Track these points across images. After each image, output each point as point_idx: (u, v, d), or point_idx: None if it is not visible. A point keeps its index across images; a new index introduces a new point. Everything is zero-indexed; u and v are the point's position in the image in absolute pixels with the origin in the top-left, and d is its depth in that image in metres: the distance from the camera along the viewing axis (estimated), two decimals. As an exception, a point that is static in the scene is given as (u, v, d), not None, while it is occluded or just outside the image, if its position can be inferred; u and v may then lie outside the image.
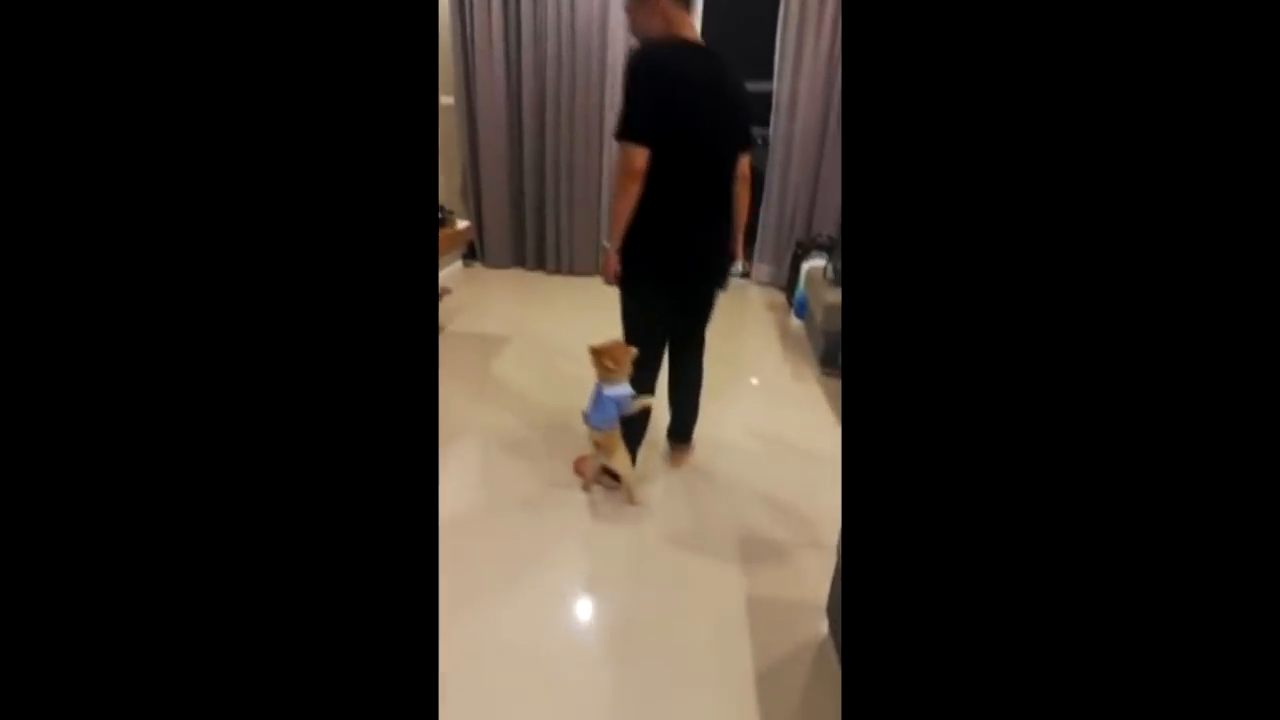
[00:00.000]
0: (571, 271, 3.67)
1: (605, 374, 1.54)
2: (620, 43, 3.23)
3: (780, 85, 3.39)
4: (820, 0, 3.17)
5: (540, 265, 3.74)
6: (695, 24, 1.55)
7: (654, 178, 1.37)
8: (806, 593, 1.39)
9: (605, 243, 1.51)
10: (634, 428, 1.66)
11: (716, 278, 1.62)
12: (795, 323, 3.14)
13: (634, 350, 1.54)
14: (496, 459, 1.82)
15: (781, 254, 3.67)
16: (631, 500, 1.67)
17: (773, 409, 2.27)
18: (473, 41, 3.29)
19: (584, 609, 1.34)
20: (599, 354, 1.53)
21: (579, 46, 3.25)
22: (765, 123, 3.53)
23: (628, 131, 1.33)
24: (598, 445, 1.62)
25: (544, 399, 2.19)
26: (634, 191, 1.37)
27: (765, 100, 3.50)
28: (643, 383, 1.59)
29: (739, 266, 1.82)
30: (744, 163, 1.55)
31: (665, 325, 1.60)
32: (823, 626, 1.30)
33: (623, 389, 1.55)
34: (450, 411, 2.06)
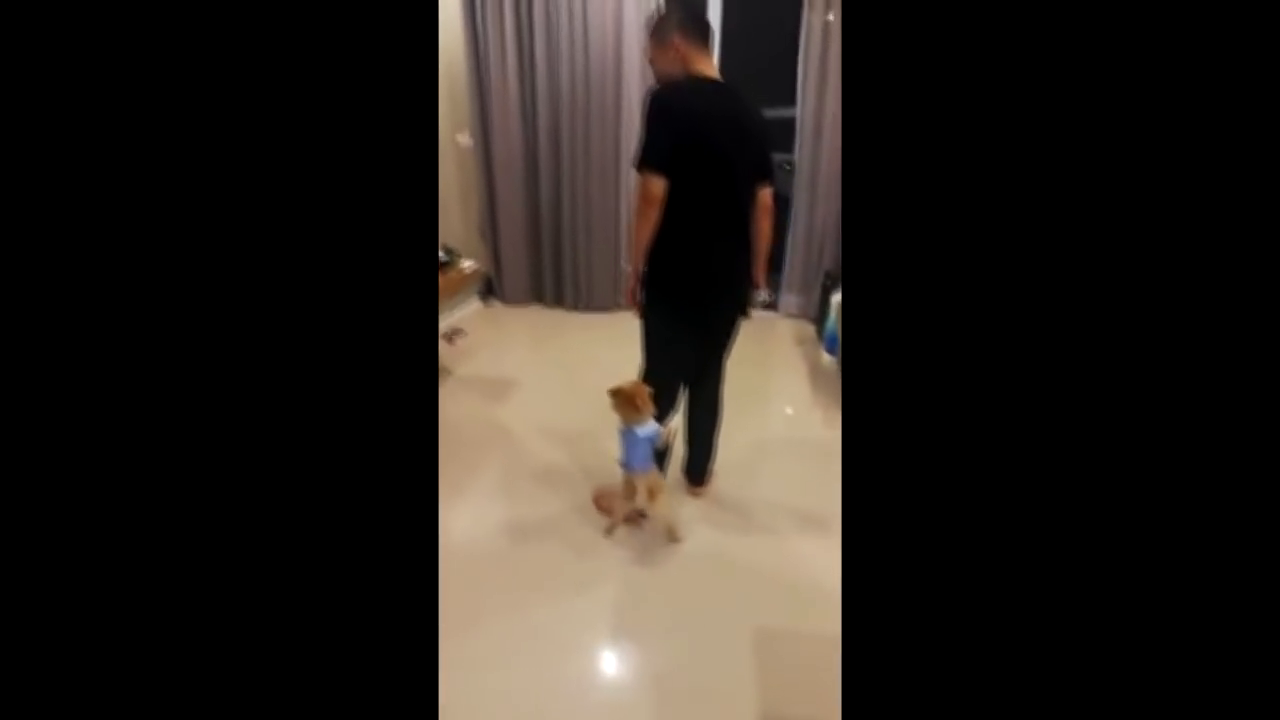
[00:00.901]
0: (590, 307, 3.61)
1: (633, 415, 1.53)
2: (635, 77, 3.20)
3: (804, 110, 3.30)
4: (842, 23, 3.08)
5: (559, 302, 3.70)
6: (713, 61, 1.55)
7: (673, 206, 1.44)
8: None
9: (624, 265, 1.58)
10: (660, 459, 1.66)
11: (736, 304, 1.65)
12: (827, 359, 2.99)
13: (647, 388, 1.57)
14: (512, 504, 1.73)
15: (810, 284, 3.53)
16: (676, 536, 1.65)
17: (801, 463, 2.12)
18: (488, 80, 3.31)
19: (596, 665, 1.29)
20: (625, 397, 1.53)
21: (593, 83, 3.24)
22: (790, 149, 3.44)
23: (644, 162, 1.42)
24: (650, 491, 1.58)
25: (559, 441, 2.10)
26: (652, 217, 1.45)
27: (789, 126, 3.42)
28: (663, 413, 1.60)
29: (763, 295, 1.84)
30: (764, 193, 1.61)
31: (685, 352, 1.62)
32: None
33: (652, 426, 1.55)
34: (459, 457, 1.98)
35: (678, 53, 1.48)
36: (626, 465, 1.58)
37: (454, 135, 3.51)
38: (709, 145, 1.44)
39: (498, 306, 3.73)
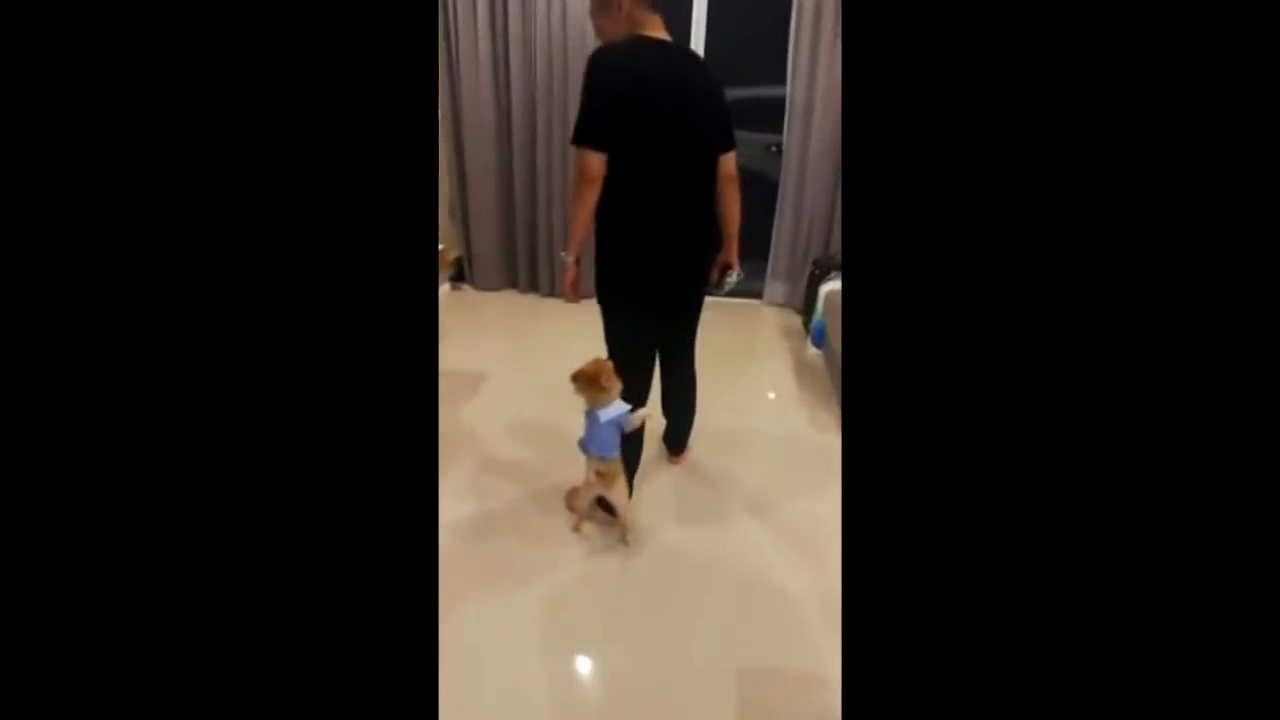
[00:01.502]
0: (567, 294, 3.46)
1: (597, 396, 1.43)
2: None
3: (794, 89, 3.16)
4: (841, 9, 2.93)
5: (534, 287, 3.54)
6: (662, 24, 1.40)
7: (620, 185, 1.33)
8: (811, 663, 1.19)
9: (562, 254, 1.48)
10: (632, 450, 1.57)
11: (697, 283, 1.58)
12: (813, 352, 2.89)
13: (609, 364, 1.47)
14: (479, 496, 1.62)
15: (797, 272, 3.42)
16: (625, 539, 1.56)
17: (788, 471, 2.02)
18: (458, 50, 3.10)
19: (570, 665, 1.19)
20: (587, 377, 1.43)
21: (571, 53, 3.05)
22: (778, 130, 3.30)
23: (580, 135, 1.30)
24: (600, 475, 1.49)
25: (526, 437, 1.97)
26: (590, 198, 1.33)
27: (778, 106, 3.28)
28: (636, 401, 1.52)
29: (734, 275, 1.72)
30: (727, 161, 1.49)
31: (650, 340, 1.56)
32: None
33: (618, 408, 1.45)
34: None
35: (625, 16, 1.35)
36: (585, 449, 1.50)
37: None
38: (657, 112, 1.31)
39: (469, 292, 3.56)
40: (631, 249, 1.41)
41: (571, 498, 1.64)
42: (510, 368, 2.59)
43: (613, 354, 1.52)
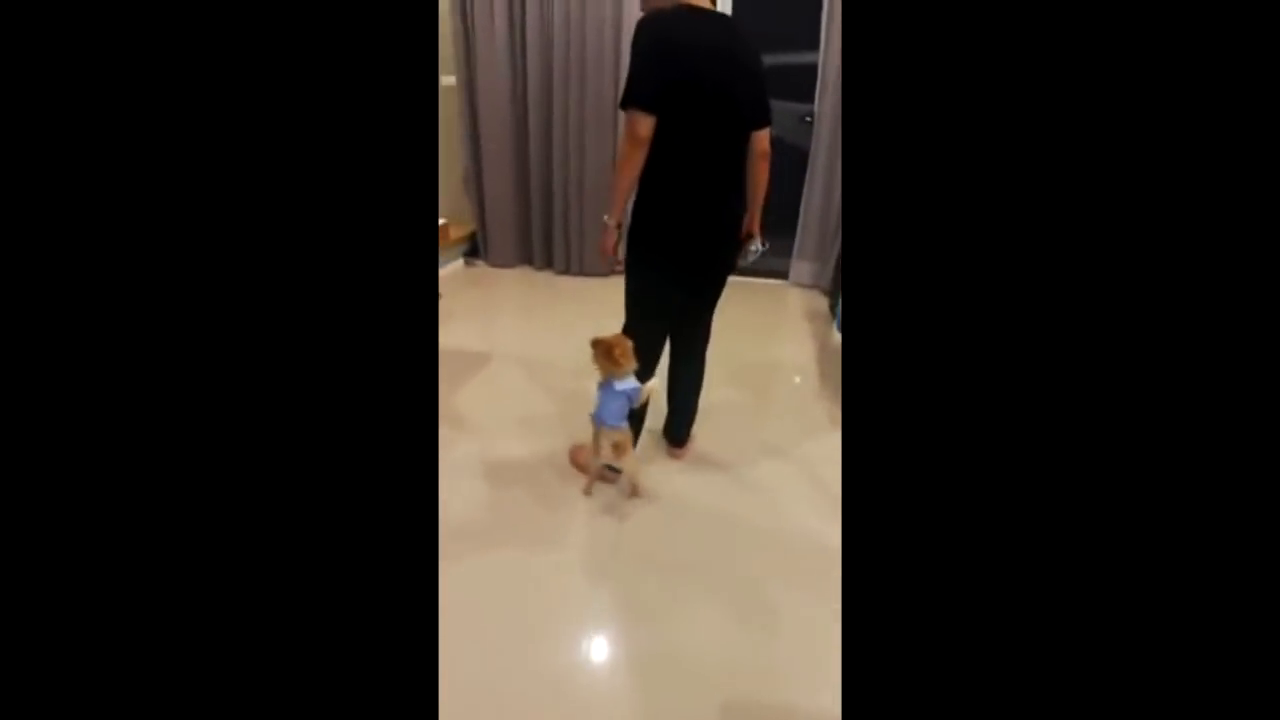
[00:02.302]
0: (582, 271, 3.38)
1: (613, 368, 1.49)
2: (636, 12, 2.89)
3: (827, 56, 2.98)
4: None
5: (549, 264, 3.47)
6: None
7: (660, 150, 1.35)
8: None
9: (605, 217, 1.47)
10: (636, 417, 1.61)
11: (726, 257, 1.57)
12: (838, 338, 2.76)
13: (629, 341, 1.50)
14: (486, 481, 1.57)
15: (826, 252, 3.27)
16: (637, 493, 1.65)
17: (802, 467, 1.92)
18: (473, 15, 3.01)
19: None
20: (606, 347, 1.48)
21: (589, 18, 2.92)
22: (809, 99, 3.12)
23: (633, 98, 1.31)
24: (616, 447, 1.55)
25: (533, 413, 1.92)
26: (638, 160, 1.35)
27: (810, 73, 3.10)
28: (644, 371, 1.55)
29: (756, 246, 1.64)
30: (762, 138, 1.49)
31: (670, 308, 1.56)
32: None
33: (631, 382, 1.51)
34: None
35: None
36: (598, 419, 1.54)
37: (439, 78, 3.23)
38: (702, 81, 1.32)
39: (482, 268, 3.51)
40: (666, 214, 1.42)
41: (576, 454, 1.71)
42: (518, 343, 2.53)
43: (631, 319, 1.55)
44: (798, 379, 2.41)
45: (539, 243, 3.44)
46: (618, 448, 1.55)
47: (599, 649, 1.24)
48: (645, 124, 1.31)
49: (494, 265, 3.49)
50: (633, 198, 1.44)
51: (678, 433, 1.81)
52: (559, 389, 2.17)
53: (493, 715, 1.08)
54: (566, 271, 3.41)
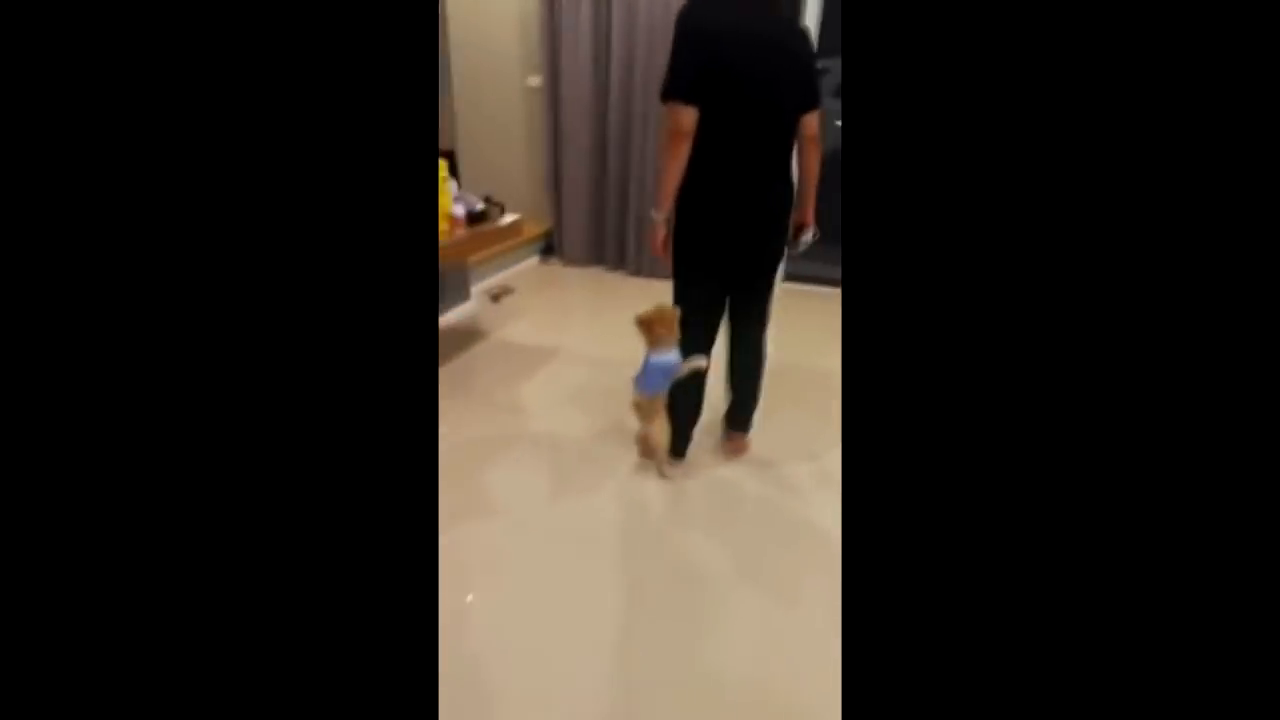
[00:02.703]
0: (653, 273, 3.40)
1: (655, 340, 1.54)
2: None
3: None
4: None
5: (620, 265, 3.51)
6: None
7: (702, 141, 1.33)
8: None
9: (652, 212, 1.47)
10: (688, 404, 1.64)
11: (774, 246, 1.56)
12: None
13: (678, 311, 1.52)
14: (534, 467, 1.64)
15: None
16: (662, 473, 1.69)
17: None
18: (560, 17, 3.10)
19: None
20: (647, 323, 1.54)
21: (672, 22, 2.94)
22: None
23: (672, 90, 1.30)
24: (637, 408, 1.62)
25: (588, 408, 1.96)
26: (683, 153, 1.34)
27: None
28: (694, 349, 1.56)
29: (810, 234, 1.63)
30: (811, 122, 1.47)
31: (717, 300, 1.57)
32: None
33: (670, 356, 1.53)
34: (472, 433, 1.89)
35: None
36: (636, 386, 1.61)
37: (525, 78, 3.36)
38: (744, 69, 1.30)
39: (556, 265, 3.61)
40: (709, 206, 1.42)
41: (642, 442, 1.75)
42: (581, 342, 2.58)
43: (680, 307, 1.54)
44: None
45: (612, 244, 3.49)
46: (640, 409, 1.61)
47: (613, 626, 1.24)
48: (687, 115, 1.30)
49: (568, 264, 3.58)
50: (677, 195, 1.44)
51: (739, 416, 1.76)
52: (619, 386, 2.19)
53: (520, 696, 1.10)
54: (638, 273, 3.44)
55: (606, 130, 3.27)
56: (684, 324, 1.52)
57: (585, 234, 3.52)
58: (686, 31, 1.29)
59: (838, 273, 3.32)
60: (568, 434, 1.94)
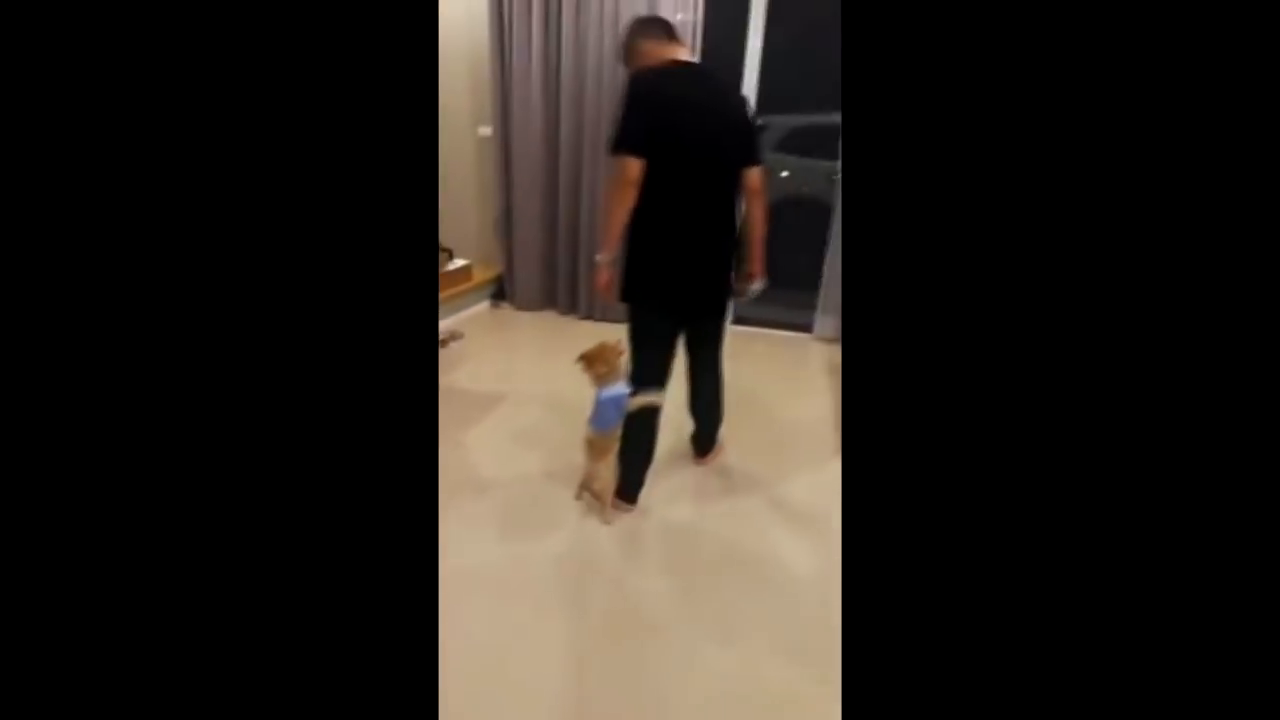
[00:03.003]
0: (605, 317, 3.43)
1: (599, 379, 1.61)
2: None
3: (854, 115, 3.04)
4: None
5: (573, 309, 3.54)
6: (684, 49, 1.61)
7: (649, 195, 1.47)
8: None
9: (597, 256, 1.60)
10: (640, 440, 1.67)
11: (721, 291, 1.66)
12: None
13: (622, 349, 1.63)
14: (484, 504, 1.57)
15: (851, 308, 3.25)
16: (605, 519, 1.67)
17: (802, 530, 1.86)
18: (511, 70, 3.20)
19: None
20: (589, 360, 1.61)
21: (621, 73, 3.08)
22: (836, 157, 3.19)
23: (621, 144, 1.45)
24: (590, 445, 1.64)
25: (535, 461, 1.92)
26: (628, 201, 1.47)
27: (836, 133, 3.18)
28: (649, 382, 1.63)
29: (757, 284, 1.75)
30: (753, 174, 1.61)
31: (668, 342, 1.65)
32: None
33: (618, 389, 1.59)
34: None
35: (649, 54, 1.54)
36: (592, 423, 1.64)
37: (476, 128, 3.43)
38: (688, 128, 1.46)
39: (507, 310, 3.60)
40: (657, 254, 1.54)
41: (586, 485, 1.73)
42: (530, 388, 2.56)
43: (634, 351, 1.64)
44: (804, 443, 2.37)
45: (564, 288, 3.52)
46: (590, 446, 1.63)
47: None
48: (634, 166, 1.43)
49: (519, 308, 3.58)
50: (625, 238, 1.55)
51: (704, 437, 1.92)
52: (570, 428, 2.17)
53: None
54: (589, 317, 3.47)
55: (557, 177, 3.35)
56: (639, 360, 1.61)
57: (537, 279, 3.54)
58: (638, 95, 1.44)
59: (783, 316, 3.44)
60: (516, 477, 1.90)
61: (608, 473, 1.65)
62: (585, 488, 1.72)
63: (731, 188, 1.58)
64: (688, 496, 1.85)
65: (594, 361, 1.60)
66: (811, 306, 3.39)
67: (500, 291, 3.63)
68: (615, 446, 1.64)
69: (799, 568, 1.59)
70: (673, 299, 1.58)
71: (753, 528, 1.74)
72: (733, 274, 1.67)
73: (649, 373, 1.62)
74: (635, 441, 1.66)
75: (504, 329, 3.34)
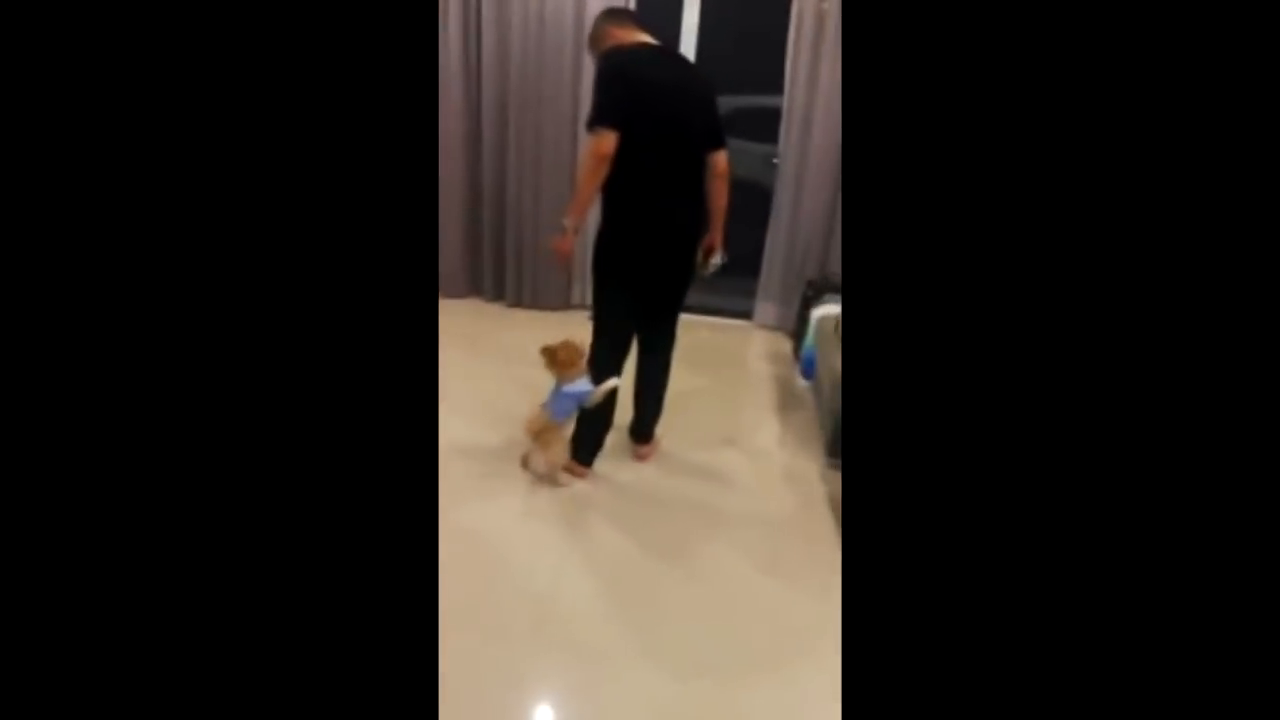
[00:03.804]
0: (535, 304, 3.26)
1: (563, 373, 1.67)
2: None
3: (792, 99, 3.01)
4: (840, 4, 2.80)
5: (500, 296, 3.34)
6: (647, 34, 1.67)
7: (621, 170, 1.51)
8: None
9: (564, 221, 1.61)
10: (597, 423, 1.75)
11: (688, 264, 1.73)
12: (801, 384, 2.68)
13: (584, 350, 1.70)
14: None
15: (790, 294, 3.23)
16: (555, 481, 1.74)
17: (754, 533, 1.80)
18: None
19: None
20: (551, 353, 1.68)
21: (547, 61, 2.89)
22: (775, 140, 3.15)
23: (598, 117, 1.49)
24: (540, 429, 1.69)
25: (476, 442, 1.75)
26: (601, 173, 1.51)
27: (775, 116, 3.13)
28: (609, 367, 1.70)
29: (718, 258, 1.82)
30: (718, 157, 1.68)
31: (634, 315, 1.71)
32: None
33: (583, 385, 1.66)
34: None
35: (616, 38, 1.61)
36: (545, 408, 1.70)
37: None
38: (661, 106, 1.52)
39: (429, 298, 3.35)
40: (629, 229, 1.60)
41: (569, 468, 1.78)
42: (461, 381, 2.37)
43: (599, 325, 1.71)
44: (753, 434, 2.32)
45: (490, 274, 3.31)
46: (542, 433, 1.69)
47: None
48: (609, 140, 1.47)
49: (443, 296, 3.34)
50: (596, 216, 1.61)
51: (643, 429, 1.92)
52: (509, 416, 2.01)
53: None
54: (519, 304, 3.28)
55: (480, 156, 3.12)
56: (601, 340, 1.68)
57: (460, 264, 3.31)
58: (613, 71, 1.50)
59: (724, 303, 3.39)
60: (456, 462, 1.73)
61: (559, 450, 1.71)
62: (526, 466, 1.80)
63: (697, 166, 1.64)
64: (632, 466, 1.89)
65: (561, 362, 1.66)
66: (751, 293, 3.35)
67: (421, 278, 3.37)
68: (563, 435, 1.70)
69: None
70: (641, 276, 1.64)
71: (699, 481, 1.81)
72: (695, 251, 1.73)
73: (608, 356, 1.68)
74: (598, 414, 1.72)
75: (426, 319, 3.10)
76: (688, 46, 3.05)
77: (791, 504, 1.82)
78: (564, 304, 3.27)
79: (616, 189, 1.55)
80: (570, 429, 1.75)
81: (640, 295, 1.68)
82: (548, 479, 1.76)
